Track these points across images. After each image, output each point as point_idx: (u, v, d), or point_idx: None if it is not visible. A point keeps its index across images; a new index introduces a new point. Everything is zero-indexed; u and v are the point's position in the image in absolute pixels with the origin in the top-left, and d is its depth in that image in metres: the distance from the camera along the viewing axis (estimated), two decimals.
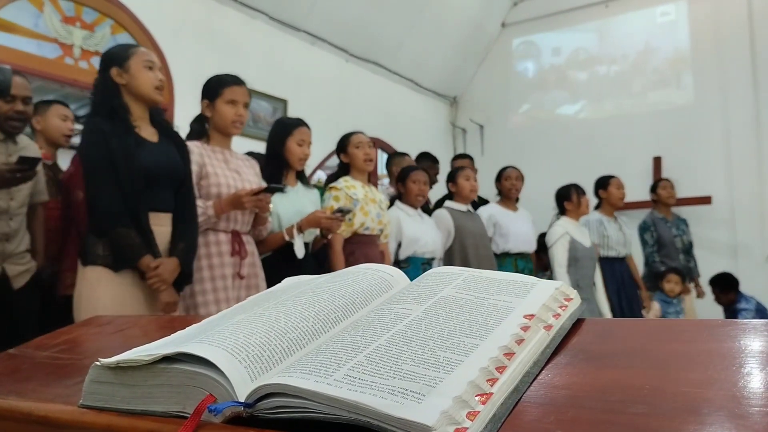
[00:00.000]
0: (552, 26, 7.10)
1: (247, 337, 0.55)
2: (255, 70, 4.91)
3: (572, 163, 6.20)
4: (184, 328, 0.64)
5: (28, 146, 2.55)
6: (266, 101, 5.01)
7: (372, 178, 4.04)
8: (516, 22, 7.34)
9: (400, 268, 3.24)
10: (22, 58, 3.63)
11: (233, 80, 2.46)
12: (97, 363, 0.56)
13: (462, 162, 4.61)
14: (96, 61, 3.99)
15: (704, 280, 5.15)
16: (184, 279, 2.19)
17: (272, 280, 2.55)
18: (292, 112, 5.10)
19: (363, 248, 2.98)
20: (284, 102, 5.16)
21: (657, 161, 6.20)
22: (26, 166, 2.24)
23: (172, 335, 0.62)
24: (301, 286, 0.72)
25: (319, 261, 2.86)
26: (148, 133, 2.18)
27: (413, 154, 4.47)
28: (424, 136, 6.82)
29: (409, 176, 3.44)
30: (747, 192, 5.84)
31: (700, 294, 4.90)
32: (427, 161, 4.43)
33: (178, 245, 2.15)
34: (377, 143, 6.26)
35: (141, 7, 4.20)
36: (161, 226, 2.14)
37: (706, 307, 5.14)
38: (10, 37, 3.62)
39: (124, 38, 4.12)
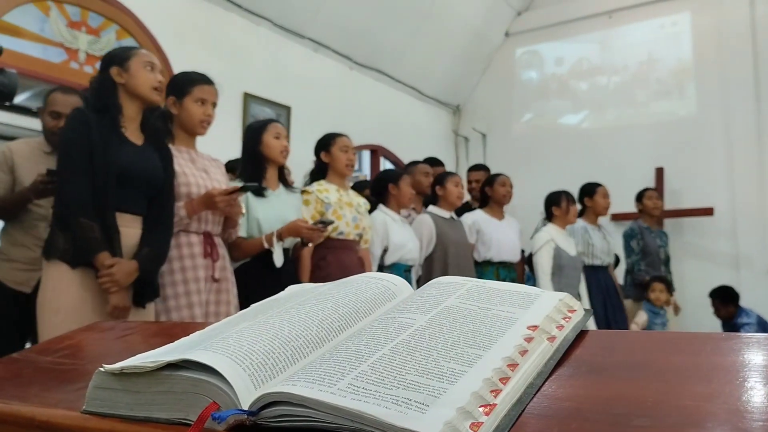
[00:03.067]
0: (555, 36, 7.12)
1: (251, 344, 0.55)
2: (258, 77, 4.94)
3: (574, 172, 6.19)
4: (188, 335, 0.65)
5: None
6: (269, 108, 5.02)
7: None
8: (519, 31, 7.35)
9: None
10: (28, 62, 3.65)
11: (203, 79, 2.39)
12: (101, 369, 0.56)
13: (476, 174, 4.60)
14: None
15: (704, 292, 5.14)
16: (146, 290, 2.10)
17: (251, 286, 2.50)
18: (296, 119, 5.11)
19: (337, 254, 2.90)
20: (287, 108, 5.17)
21: (659, 172, 6.20)
22: (55, 179, 2.27)
23: (176, 342, 0.62)
24: (304, 294, 0.72)
25: (297, 268, 2.81)
26: (134, 135, 2.15)
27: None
28: (426, 144, 6.83)
29: (402, 178, 3.41)
30: (749, 203, 5.83)
31: (676, 310, 4.80)
32: (433, 165, 4.42)
33: (143, 250, 2.06)
34: (380, 150, 6.29)
35: (146, 12, 4.22)
36: (128, 227, 2.06)
37: (704, 320, 5.13)
38: (16, 41, 3.63)
39: (129, 43, 4.13)
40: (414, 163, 4.17)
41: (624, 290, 4.59)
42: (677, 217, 6.00)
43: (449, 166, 5.62)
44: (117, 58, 2.16)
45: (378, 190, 3.44)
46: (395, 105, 6.56)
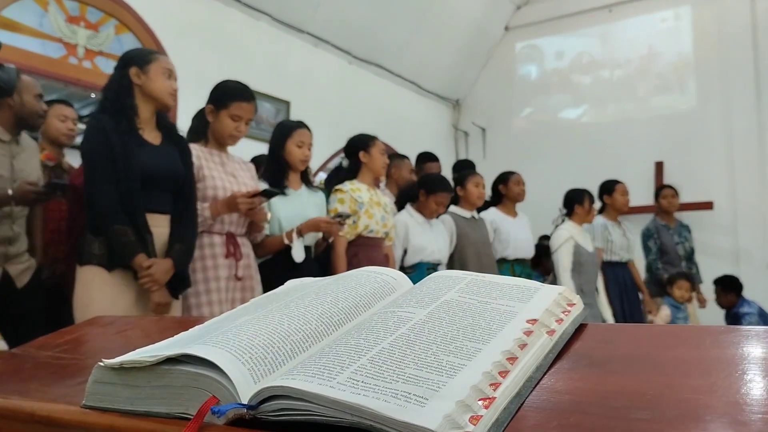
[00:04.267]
0: (555, 30, 7.10)
1: (251, 339, 0.55)
2: (258, 72, 4.93)
3: (574, 167, 6.20)
4: (187, 330, 0.65)
5: (30, 147, 2.55)
6: (269, 103, 5.01)
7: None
8: (519, 25, 7.34)
9: (406, 274, 3.23)
10: (27, 57, 3.64)
11: (243, 96, 2.45)
12: (101, 363, 0.56)
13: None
14: (100, 61, 4.00)
15: (705, 286, 5.14)
16: (180, 282, 2.17)
17: (272, 284, 2.51)
18: (295, 114, 5.11)
19: (367, 251, 2.98)
20: (287, 103, 5.16)
21: (659, 166, 6.20)
22: (59, 192, 2.26)
23: (176, 336, 0.62)
24: (304, 288, 0.72)
25: (321, 265, 2.85)
26: (152, 136, 2.19)
27: (415, 157, 4.46)
28: (426, 138, 6.82)
29: (436, 194, 3.35)
30: (749, 198, 5.83)
31: (702, 302, 4.86)
32: (429, 161, 4.42)
33: (175, 246, 2.14)
34: None
35: (145, 7, 4.21)
36: (158, 227, 2.13)
37: (708, 311, 5.13)
38: (14, 36, 3.63)
39: (128, 38, 4.13)
40: (400, 157, 4.14)
41: (646, 286, 4.66)
42: (677, 211, 6.00)
43: (449, 161, 5.60)
44: (137, 59, 2.19)
45: (348, 157, 3.23)
46: (395, 100, 6.55)
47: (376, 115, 6.08)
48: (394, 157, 4.24)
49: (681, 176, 6.02)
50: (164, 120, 2.27)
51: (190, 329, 0.65)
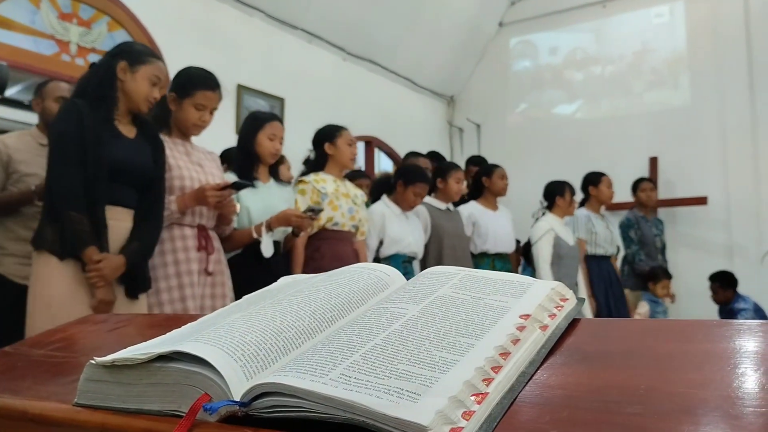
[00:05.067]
0: (549, 26, 7.10)
1: (243, 335, 0.55)
2: (252, 68, 4.92)
3: (568, 162, 6.21)
4: (179, 327, 0.64)
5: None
6: (263, 99, 5.00)
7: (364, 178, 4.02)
8: (513, 21, 7.34)
9: None
10: (19, 55, 3.62)
11: (207, 84, 2.36)
12: (93, 361, 0.56)
13: (475, 168, 4.55)
14: (92, 58, 3.98)
15: (698, 281, 5.17)
16: (136, 283, 2.10)
17: (241, 279, 2.48)
18: (289, 111, 5.10)
19: (331, 245, 2.90)
20: (281, 100, 5.15)
21: (653, 161, 6.22)
22: None
23: (168, 334, 0.62)
24: (296, 285, 0.72)
25: (289, 261, 2.80)
26: (126, 129, 2.14)
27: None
28: (420, 135, 6.82)
29: (414, 185, 3.33)
30: (743, 193, 5.85)
31: (672, 298, 4.84)
32: (435, 161, 4.41)
33: (132, 244, 2.06)
34: (374, 142, 6.28)
35: (138, 3, 4.19)
36: (119, 221, 2.06)
37: (701, 306, 5.15)
38: (6, 33, 3.61)
39: (121, 35, 4.10)
40: (415, 155, 4.16)
41: (622, 279, 4.61)
42: (671, 206, 6.02)
43: (444, 157, 5.60)
44: (130, 55, 2.13)
45: (315, 148, 3.16)
46: (389, 96, 6.55)
47: (370, 111, 6.08)
48: (409, 155, 4.23)
49: (675, 172, 6.04)
50: (141, 115, 2.21)
51: (182, 326, 0.64)
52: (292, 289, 0.70)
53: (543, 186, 4.29)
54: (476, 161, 4.80)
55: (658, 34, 6.46)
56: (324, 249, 2.87)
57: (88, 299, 2.00)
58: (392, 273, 0.76)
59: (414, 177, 3.37)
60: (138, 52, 2.19)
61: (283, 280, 0.79)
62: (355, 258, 2.98)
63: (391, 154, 6.47)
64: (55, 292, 1.96)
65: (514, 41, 7.37)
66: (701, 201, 5.95)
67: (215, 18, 4.73)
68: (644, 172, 6.11)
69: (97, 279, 1.97)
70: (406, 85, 6.82)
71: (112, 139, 2.05)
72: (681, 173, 6.02)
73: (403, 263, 3.30)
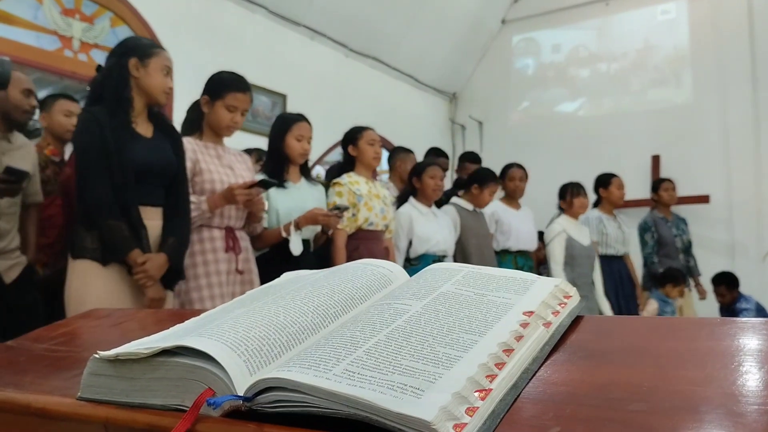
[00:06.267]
0: (552, 23, 7.09)
1: (247, 331, 0.55)
2: (254, 64, 4.90)
3: (571, 160, 6.20)
4: (183, 322, 0.64)
5: (24, 145, 2.53)
6: (265, 95, 5.00)
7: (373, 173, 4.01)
8: (516, 18, 7.33)
9: (411, 265, 3.25)
10: (21, 50, 3.62)
11: (238, 86, 2.43)
12: (96, 356, 0.56)
13: (472, 166, 4.52)
14: (95, 54, 3.98)
15: (701, 279, 5.16)
16: (174, 276, 2.16)
17: (270, 277, 2.51)
18: (291, 107, 5.09)
19: (367, 244, 2.97)
20: (283, 96, 5.15)
21: (655, 160, 6.21)
22: (13, 178, 2.24)
23: (171, 328, 0.62)
24: (300, 280, 0.72)
25: (320, 258, 2.83)
26: (144, 128, 2.17)
27: (412, 150, 4.44)
28: (423, 132, 6.82)
29: (425, 171, 3.40)
30: (745, 191, 5.84)
31: (702, 294, 4.90)
32: (438, 157, 4.39)
33: (168, 240, 2.12)
34: None
35: None
36: (152, 220, 2.12)
37: (703, 305, 5.15)
38: (9, 28, 3.61)
39: (123, 31, 4.10)
40: (405, 150, 4.14)
41: (642, 281, 4.68)
42: (675, 204, 6.02)
43: (446, 154, 5.59)
44: (139, 50, 2.15)
45: (344, 150, 3.18)
46: (391, 93, 6.54)
47: (372, 108, 6.07)
48: (399, 150, 4.22)
49: (677, 170, 6.03)
50: (156, 112, 2.24)
51: (186, 321, 0.64)
52: (296, 284, 0.70)
53: (545, 183, 4.32)
54: (470, 158, 4.79)
55: (660, 31, 6.45)
56: (362, 248, 2.94)
57: (131, 300, 2.07)
58: (395, 269, 0.76)
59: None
60: (144, 45, 2.21)
61: (286, 276, 0.80)
62: (386, 255, 3.06)
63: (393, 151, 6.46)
64: (91, 292, 2.02)
65: (516, 38, 7.36)
66: (703, 199, 5.94)
67: (218, 14, 4.72)
68: (646, 170, 6.10)
69: (145, 279, 2.04)
70: (409, 81, 6.81)
71: (133, 143, 2.09)
72: (683, 171, 6.01)
73: (434, 262, 3.29)
